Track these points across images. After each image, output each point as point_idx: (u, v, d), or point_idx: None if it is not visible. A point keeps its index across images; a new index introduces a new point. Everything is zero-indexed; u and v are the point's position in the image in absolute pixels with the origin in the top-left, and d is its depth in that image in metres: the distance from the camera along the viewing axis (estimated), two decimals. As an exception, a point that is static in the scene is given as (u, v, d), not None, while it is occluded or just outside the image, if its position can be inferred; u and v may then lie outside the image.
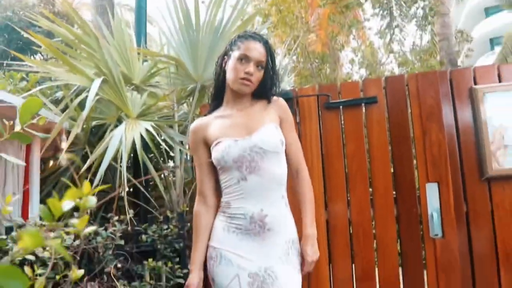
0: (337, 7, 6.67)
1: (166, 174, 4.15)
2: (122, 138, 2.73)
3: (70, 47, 3.87)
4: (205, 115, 2.17)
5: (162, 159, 4.32)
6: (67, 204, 0.68)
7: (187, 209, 3.35)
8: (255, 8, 8.40)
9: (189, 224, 3.25)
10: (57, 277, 2.17)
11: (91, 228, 1.22)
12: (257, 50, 1.96)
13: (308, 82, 7.21)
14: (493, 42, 28.38)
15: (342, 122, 3.15)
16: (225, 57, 2.06)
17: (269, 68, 2.02)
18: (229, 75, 1.99)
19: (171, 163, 4.45)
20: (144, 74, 3.78)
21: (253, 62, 1.94)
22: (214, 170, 2.03)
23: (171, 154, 4.23)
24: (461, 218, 2.93)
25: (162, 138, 3.33)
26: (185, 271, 2.88)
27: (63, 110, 3.64)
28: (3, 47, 5.80)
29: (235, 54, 1.98)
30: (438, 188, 2.93)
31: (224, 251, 1.86)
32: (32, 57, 6.11)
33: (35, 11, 6.31)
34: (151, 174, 3.53)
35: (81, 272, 1.29)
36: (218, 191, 2.05)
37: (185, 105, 4.07)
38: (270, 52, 2.03)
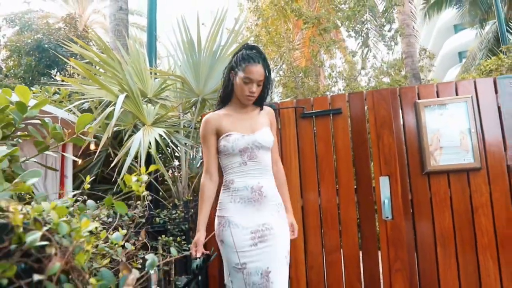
0: (317, 30, 7.16)
1: (173, 170, 4.53)
2: (141, 142, 3.15)
3: (93, 67, 4.27)
4: (213, 111, 2.48)
5: (169, 158, 4.70)
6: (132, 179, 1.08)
7: (191, 198, 3.73)
8: (247, 30, 8.81)
9: (192, 210, 3.65)
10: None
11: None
12: (257, 73, 2.24)
13: (293, 93, 7.62)
14: (461, 55, 28.74)
15: (315, 128, 3.56)
16: (232, 71, 2.33)
17: (266, 82, 2.33)
18: (237, 91, 2.32)
19: (176, 162, 4.79)
20: (155, 89, 4.17)
21: (255, 83, 2.25)
22: (217, 154, 2.36)
23: (177, 154, 4.58)
24: (407, 204, 3.34)
25: (171, 140, 3.72)
26: (189, 245, 3.28)
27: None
28: (35, 64, 6.18)
29: (240, 75, 2.26)
30: (389, 181, 3.35)
31: (231, 217, 2.18)
32: (58, 73, 6.49)
33: (60, 34, 6.71)
34: (161, 170, 3.92)
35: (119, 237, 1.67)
36: (220, 171, 2.37)
37: (188, 114, 4.46)
38: (267, 69, 2.31)
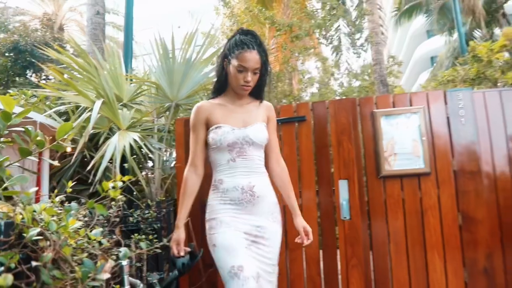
0: (289, 37, 7.46)
1: (146, 172, 4.70)
2: (116, 146, 3.34)
3: (69, 71, 4.41)
4: (208, 99, 2.31)
5: (142, 160, 4.87)
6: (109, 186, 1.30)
7: (163, 198, 3.93)
8: (223, 34, 9.02)
9: (164, 210, 3.85)
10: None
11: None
12: (252, 60, 2.05)
13: (266, 97, 7.83)
14: (433, 60, 29.60)
15: (281, 133, 3.82)
16: (225, 60, 2.15)
17: (264, 69, 2.14)
18: (231, 80, 2.14)
19: (150, 163, 4.94)
20: (131, 94, 4.35)
21: (250, 71, 2.07)
22: (206, 147, 2.21)
23: (150, 156, 4.74)
24: (363, 205, 3.64)
25: (144, 143, 3.91)
26: (161, 243, 3.48)
27: (65, 120, 4.19)
28: (10, 65, 6.21)
29: (234, 63, 2.08)
30: (348, 184, 3.62)
31: (223, 217, 2.02)
32: (34, 74, 6.56)
33: (37, 35, 6.77)
34: (135, 172, 4.10)
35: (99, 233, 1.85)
36: (206, 165, 2.24)
37: (163, 118, 4.64)
38: (263, 55, 2.11)
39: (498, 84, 4.51)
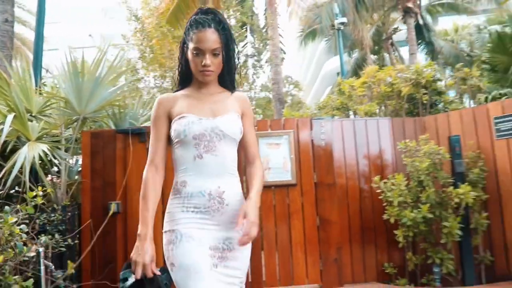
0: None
1: (52, 177, 5.06)
2: (26, 156, 3.75)
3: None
4: (174, 92, 1.94)
5: (47, 166, 5.21)
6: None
7: (69, 203, 4.36)
8: (135, 44, 9.43)
9: (69, 213, 4.31)
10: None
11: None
12: (208, 40, 1.71)
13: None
14: (338, 75, 32.00)
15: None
16: (185, 45, 1.83)
17: (227, 50, 1.77)
18: (192, 67, 1.79)
19: (55, 168, 5.24)
20: (40, 106, 4.72)
21: (208, 53, 1.72)
22: (168, 145, 1.85)
23: (56, 163, 5.07)
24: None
25: (53, 155, 4.31)
26: (66, 243, 3.94)
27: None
28: None
29: (190, 46, 1.76)
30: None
31: (184, 229, 1.66)
32: None
33: None
34: (42, 178, 4.48)
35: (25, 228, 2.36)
36: (166, 164, 1.84)
37: (70, 129, 5.02)
38: (224, 33, 1.75)
39: (357, 115, 5.64)
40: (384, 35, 17.20)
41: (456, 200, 4.08)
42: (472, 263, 4.39)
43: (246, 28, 9.01)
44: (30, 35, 18.73)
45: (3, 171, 3.66)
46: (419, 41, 16.94)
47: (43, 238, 3.11)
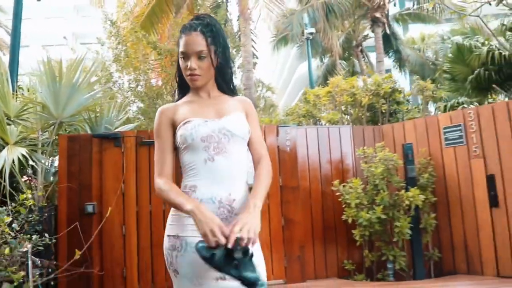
0: (169, 61, 8.38)
1: (29, 178, 5.22)
2: (6, 159, 3.94)
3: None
4: (174, 101, 1.90)
5: (25, 168, 5.38)
6: None
7: (45, 204, 4.55)
8: (110, 47, 9.55)
9: (46, 214, 4.50)
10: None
11: None
12: (193, 43, 1.68)
13: (146, 113, 8.66)
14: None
15: (150, 154, 4.74)
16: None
17: (218, 52, 1.71)
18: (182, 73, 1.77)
19: (29, 170, 5.40)
20: (17, 110, 4.89)
21: (192, 56, 1.68)
22: (175, 155, 1.78)
23: (33, 164, 5.24)
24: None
25: (31, 158, 4.50)
26: (43, 242, 4.13)
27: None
28: None
29: (179, 51, 1.74)
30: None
31: (189, 237, 1.58)
32: None
33: None
34: (18, 180, 4.65)
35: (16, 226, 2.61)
36: (174, 177, 1.73)
37: (47, 133, 5.21)
38: (211, 35, 1.70)
39: (321, 122, 6.03)
40: (354, 42, 17.80)
41: (407, 202, 4.50)
42: (422, 259, 4.81)
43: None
44: (1, 33, 18.52)
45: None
46: (388, 49, 17.62)
47: (34, 236, 3.30)
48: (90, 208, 4.55)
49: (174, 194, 1.59)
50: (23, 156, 4.26)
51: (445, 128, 5.00)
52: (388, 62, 18.75)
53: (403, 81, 18.53)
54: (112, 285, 4.56)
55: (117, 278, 4.55)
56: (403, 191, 4.62)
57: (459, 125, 4.86)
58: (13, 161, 4.07)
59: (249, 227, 1.41)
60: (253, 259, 1.36)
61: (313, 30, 11.88)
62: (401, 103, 6.22)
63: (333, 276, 5.14)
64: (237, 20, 12.06)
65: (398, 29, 18.89)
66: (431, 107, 10.43)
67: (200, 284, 1.53)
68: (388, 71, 15.18)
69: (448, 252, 4.95)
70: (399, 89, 6.16)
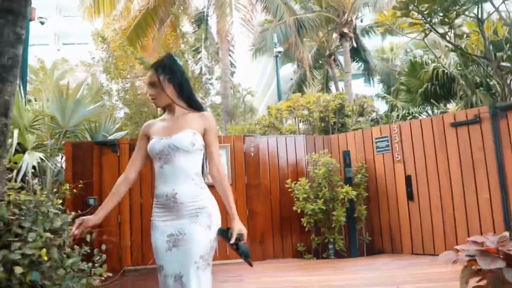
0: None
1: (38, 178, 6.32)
2: (28, 162, 5.06)
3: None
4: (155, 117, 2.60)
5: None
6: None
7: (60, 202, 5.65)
8: (101, 60, 10.60)
9: (57, 206, 5.62)
10: None
11: None
12: (149, 77, 2.25)
13: (133, 120, 9.72)
14: (292, 80, 33.87)
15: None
16: None
17: (170, 79, 2.22)
18: None
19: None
20: (30, 121, 5.99)
21: (148, 86, 2.26)
22: (146, 157, 2.32)
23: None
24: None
25: (43, 161, 5.60)
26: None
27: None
28: None
29: None
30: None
31: (154, 221, 2.20)
32: None
33: None
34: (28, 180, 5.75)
35: None
36: (139, 171, 2.34)
37: (53, 140, 6.31)
38: (161, 70, 2.21)
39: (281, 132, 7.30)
40: (328, 51, 19.12)
41: (342, 196, 5.78)
42: (356, 242, 6.12)
43: (201, 50, 10.50)
44: None
45: (14, 174, 4.95)
46: (357, 59, 19.07)
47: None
48: (92, 201, 5.68)
49: (108, 198, 2.28)
50: (41, 159, 5.38)
51: (376, 138, 6.31)
52: (359, 71, 20.23)
53: (370, 89, 20.04)
54: (110, 264, 5.68)
55: (114, 258, 5.69)
56: (340, 188, 5.90)
57: (386, 136, 6.18)
58: (32, 164, 5.19)
59: (240, 229, 2.17)
60: (241, 242, 2.15)
61: (281, 49, 13.16)
62: (349, 117, 7.52)
63: (288, 256, 6.38)
64: (216, 33, 13.22)
65: (374, 37, 20.23)
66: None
67: (157, 253, 2.17)
68: (356, 76, 16.47)
69: (377, 236, 6.26)
70: (347, 105, 7.46)
